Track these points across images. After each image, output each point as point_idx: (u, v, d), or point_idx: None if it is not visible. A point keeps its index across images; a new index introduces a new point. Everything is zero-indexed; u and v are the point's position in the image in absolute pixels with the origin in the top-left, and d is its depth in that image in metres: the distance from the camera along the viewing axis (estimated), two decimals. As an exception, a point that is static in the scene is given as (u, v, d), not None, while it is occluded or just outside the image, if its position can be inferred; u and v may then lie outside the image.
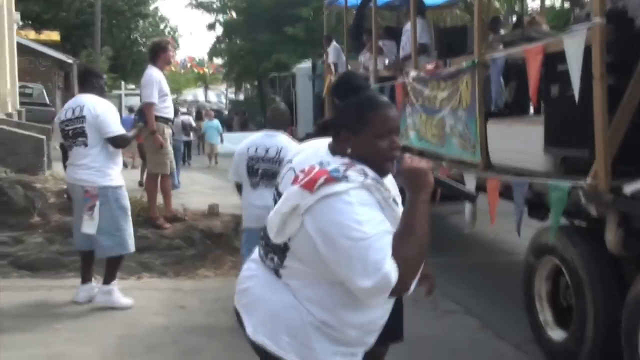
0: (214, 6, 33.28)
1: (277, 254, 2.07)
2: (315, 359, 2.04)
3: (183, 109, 28.41)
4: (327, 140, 2.16)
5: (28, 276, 5.86)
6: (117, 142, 5.17)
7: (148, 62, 7.04)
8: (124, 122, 5.77)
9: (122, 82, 32.04)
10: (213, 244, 6.51)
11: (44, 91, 22.67)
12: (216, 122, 18.76)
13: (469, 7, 20.55)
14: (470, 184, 5.40)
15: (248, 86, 43.50)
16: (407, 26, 7.83)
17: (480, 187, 5.33)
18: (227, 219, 6.83)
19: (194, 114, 23.91)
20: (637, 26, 4.05)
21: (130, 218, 5.30)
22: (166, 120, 6.88)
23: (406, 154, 2.05)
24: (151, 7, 38.75)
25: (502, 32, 8.70)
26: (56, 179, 7.30)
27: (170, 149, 6.97)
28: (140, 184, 10.36)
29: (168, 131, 6.94)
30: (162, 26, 41.11)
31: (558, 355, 4.34)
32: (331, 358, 2.06)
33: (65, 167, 5.60)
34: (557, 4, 19.21)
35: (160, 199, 7.00)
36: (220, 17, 34.03)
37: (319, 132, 2.75)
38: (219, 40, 35.25)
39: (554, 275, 4.50)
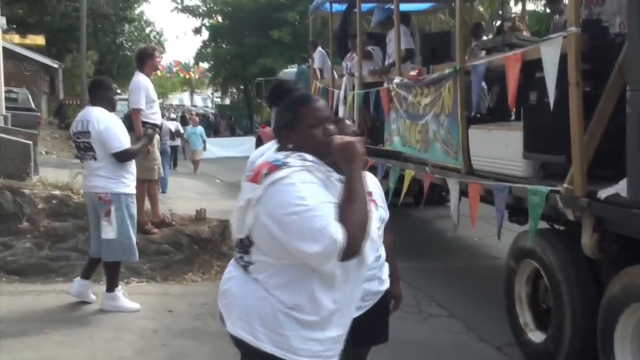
0: (200, 10, 33.26)
1: (245, 251, 2.24)
2: (289, 346, 2.17)
3: (173, 115, 28.49)
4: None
5: (17, 281, 5.92)
6: (121, 157, 5.23)
7: (135, 68, 7.10)
8: None
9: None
10: (200, 249, 6.58)
11: (29, 96, 22.55)
12: (200, 129, 18.67)
13: (454, 12, 20.79)
14: (453, 189, 5.52)
15: (234, 90, 43.51)
16: (391, 34, 7.95)
17: (463, 192, 5.47)
18: (214, 224, 6.89)
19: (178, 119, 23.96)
20: (612, 34, 4.19)
21: (136, 225, 5.44)
22: (154, 126, 6.94)
23: (336, 135, 2.23)
24: (136, 11, 38.65)
25: (485, 38, 8.84)
26: (44, 184, 7.32)
27: (157, 154, 7.03)
28: None
29: (156, 137, 7.00)
30: (147, 30, 40.98)
31: (537, 357, 4.45)
32: (305, 344, 2.18)
33: None
34: (540, 8, 19.40)
35: (147, 205, 7.05)
36: (207, 22, 34.02)
37: None
38: (205, 44, 35.26)
39: (534, 279, 4.63)
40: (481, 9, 20.59)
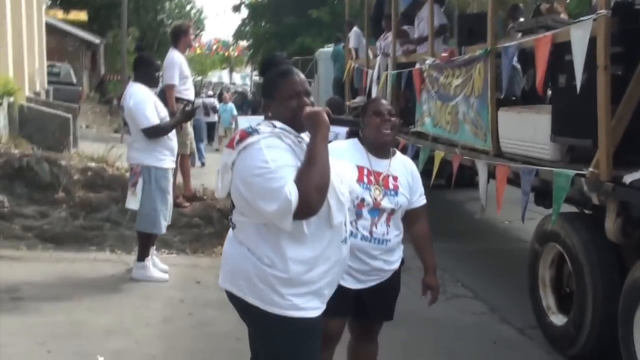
0: (240, -12, 33.34)
1: (231, 212, 2.43)
2: (270, 299, 2.35)
3: (210, 92, 28.68)
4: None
5: (52, 249, 6.11)
6: (148, 133, 5.31)
7: (166, 45, 7.22)
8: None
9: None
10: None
11: (71, 71, 22.99)
12: (230, 106, 18.74)
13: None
14: (481, 171, 5.51)
15: (273, 69, 43.45)
16: (422, 13, 7.91)
17: (492, 174, 5.45)
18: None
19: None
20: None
21: (168, 201, 5.50)
22: (187, 102, 7.06)
23: (307, 107, 2.38)
24: (177, -12, 38.90)
25: (522, 19, 8.71)
26: (81, 156, 7.52)
27: (190, 129, 7.16)
28: None
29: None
30: (188, 7, 41.21)
31: (558, 340, 4.47)
32: (284, 298, 2.33)
33: None
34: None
35: (180, 179, 7.19)
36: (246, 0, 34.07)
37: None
38: (244, 22, 35.30)
39: (558, 262, 4.62)
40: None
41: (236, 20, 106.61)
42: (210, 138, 18.04)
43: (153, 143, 5.35)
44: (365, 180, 3.03)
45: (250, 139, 2.30)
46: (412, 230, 3.26)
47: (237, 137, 2.34)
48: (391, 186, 3.08)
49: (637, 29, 4.00)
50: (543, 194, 4.94)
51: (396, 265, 3.20)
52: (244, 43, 41.13)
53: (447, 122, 6.28)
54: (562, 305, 4.55)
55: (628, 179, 3.64)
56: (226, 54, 53.36)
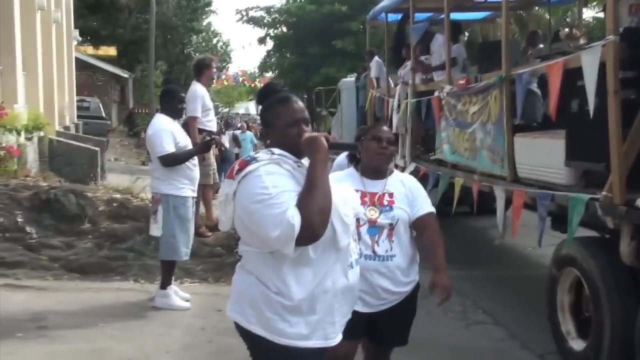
0: (265, 21, 33.79)
1: (237, 244, 2.44)
2: (277, 329, 2.32)
3: (239, 124, 29.08)
4: None
5: (78, 279, 6.23)
6: (164, 161, 5.44)
7: (193, 78, 7.40)
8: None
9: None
10: (252, 253, 6.77)
11: (101, 105, 23.52)
12: (249, 134, 18.73)
13: (520, 19, 20.49)
14: (499, 197, 5.53)
15: (298, 99, 43.83)
16: (432, 46, 8.00)
17: (510, 200, 5.47)
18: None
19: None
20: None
21: (190, 228, 5.59)
22: (209, 133, 7.20)
23: (306, 132, 2.40)
24: (204, 23, 39.64)
25: (541, 45, 8.76)
26: (107, 188, 7.70)
27: (212, 160, 7.30)
28: None
29: (224, 138, 7.27)
30: (214, 41, 41.97)
31: (578, 365, 4.43)
32: (292, 327, 2.32)
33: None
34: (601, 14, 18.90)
35: (203, 209, 7.31)
36: (271, 32, 34.54)
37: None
38: (269, 54, 35.78)
39: (576, 287, 4.60)
40: (547, 17, 20.24)
41: (262, 52, 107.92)
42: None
43: (171, 172, 5.45)
44: (360, 202, 3.08)
45: (249, 167, 2.31)
46: (423, 238, 3.27)
47: (237, 167, 2.36)
48: (386, 202, 3.14)
49: (647, 54, 4.04)
50: (560, 219, 4.94)
51: (408, 288, 3.22)
52: (269, 74, 41.67)
53: (465, 148, 6.32)
54: (581, 330, 4.53)
55: (641, 202, 3.64)
56: (252, 85, 54.05)
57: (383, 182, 3.18)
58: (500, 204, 5.54)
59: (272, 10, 33.52)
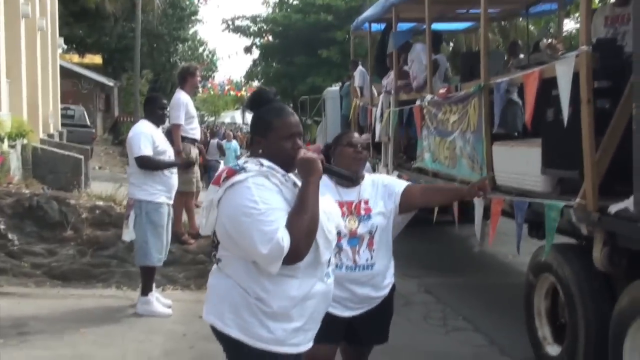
0: (251, 30, 33.88)
1: (215, 249, 2.44)
2: (254, 332, 2.35)
3: (223, 131, 28.97)
4: None
5: (60, 285, 6.24)
6: (139, 162, 5.51)
7: (177, 86, 7.45)
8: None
9: (161, 104, 32.72)
10: (234, 260, 6.80)
11: (85, 113, 23.42)
12: (234, 144, 18.51)
13: (503, 29, 20.70)
14: (478, 205, 5.61)
15: (284, 108, 43.85)
16: (411, 55, 8.09)
17: (488, 208, 5.55)
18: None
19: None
20: (627, 53, 4.26)
21: (163, 234, 5.59)
22: (192, 141, 7.26)
23: (301, 150, 2.42)
24: (190, 32, 39.65)
25: (522, 56, 8.89)
26: (90, 195, 7.71)
27: (196, 168, 7.33)
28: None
29: (194, 151, 7.31)
30: (200, 49, 41.94)
31: (554, 370, 4.50)
32: (270, 332, 2.35)
33: None
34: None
35: (185, 216, 7.34)
36: (257, 41, 34.62)
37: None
38: (255, 63, 35.85)
39: (552, 293, 4.68)
40: (531, 28, 20.47)
41: (248, 61, 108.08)
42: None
43: (146, 177, 5.50)
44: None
45: (237, 177, 2.31)
46: (419, 199, 3.32)
47: (224, 175, 2.35)
48: (363, 212, 3.18)
49: (620, 64, 4.14)
50: (537, 226, 5.03)
51: (386, 292, 3.28)
52: (255, 83, 41.72)
53: (445, 157, 6.41)
54: (557, 335, 4.59)
55: (613, 209, 3.72)
56: (238, 94, 54.11)
57: (358, 189, 3.23)
58: (478, 212, 5.61)
59: (258, 19, 33.64)
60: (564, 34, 16.14)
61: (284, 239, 2.20)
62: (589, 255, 4.02)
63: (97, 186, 10.65)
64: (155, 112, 5.74)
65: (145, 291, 5.56)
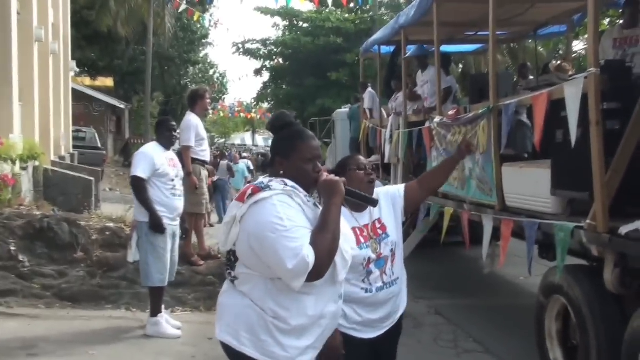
0: (261, 53, 34.17)
1: (231, 267, 2.45)
2: (269, 351, 2.37)
3: (245, 154, 29.10)
4: None
5: (70, 307, 6.24)
6: (132, 182, 5.63)
7: (187, 109, 7.51)
8: None
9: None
10: (244, 282, 6.79)
11: (96, 135, 23.61)
12: (241, 166, 18.46)
13: (512, 51, 20.75)
14: (487, 226, 5.59)
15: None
16: (425, 76, 8.11)
17: (497, 229, 5.53)
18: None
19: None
20: (636, 75, 4.26)
21: (163, 255, 5.58)
22: (202, 163, 7.29)
23: (323, 172, 2.49)
24: (201, 54, 40.02)
25: (531, 77, 8.91)
26: (100, 217, 7.74)
27: (205, 189, 7.35)
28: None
29: (204, 173, 7.34)
30: (211, 72, 42.28)
31: (566, 393, 4.45)
32: (285, 350, 2.37)
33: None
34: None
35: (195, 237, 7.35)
36: (267, 63, 34.89)
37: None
38: (265, 85, 36.11)
39: (563, 315, 4.64)
40: (541, 49, 20.53)
41: (258, 83, 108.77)
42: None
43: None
44: (362, 239, 3.12)
45: (262, 194, 2.36)
46: (421, 191, 3.38)
47: (249, 192, 2.39)
48: (380, 231, 3.18)
49: (629, 85, 4.14)
50: (547, 247, 5.00)
51: (405, 304, 3.30)
52: (265, 105, 41.94)
53: (454, 178, 6.39)
54: (569, 357, 4.55)
55: (624, 230, 3.70)
56: (248, 116, 54.36)
57: (368, 210, 3.23)
58: (487, 233, 5.59)
59: (268, 42, 33.91)
60: (573, 55, 16.20)
61: (310, 256, 2.24)
62: (600, 277, 4.00)
63: (107, 207, 10.72)
64: (164, 134, 5.79)
65: (154, 312, 5.57)
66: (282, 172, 2.49)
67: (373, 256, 3.11)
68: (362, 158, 3.34)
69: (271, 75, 35.22)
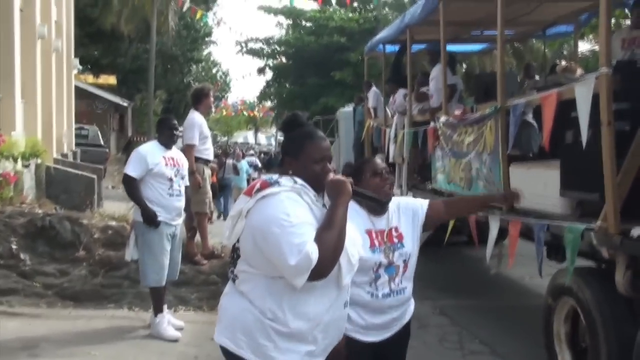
0: (264, 51, 34.09)
1: (234, 264, 2.42)
2: (268, 355, 2.32)
3: (250, 152, 29.03)
4: None
5: (71, 306, 6.19)
6: (123, 179, 5.61)
7: (190, 107, 7.45)
8: None
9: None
10: (247, 281, 6.74)
11: (99, 133, 23.54)
12: (244, 164, 18.24)
13: (517, 51, 20.68)
14: (493, 227, 5.52)
15: (297, 129, 43.99)
16: (434, 74, 8.05)
17: (506, 230, 5.46)
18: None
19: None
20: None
21: (160, 255, 5.50)
22: (206, 162, 7.23)
23: (331, 173, 2.46)
24: (204, 53, 39.95)
25: (537, 77, 8.85)
26: (102, 215, 7.68)
27: (208, 188, 7.29)
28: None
29: (207, 172, 7.28)
30: (214, 70, 42.22)
31: (575, 396, 4.39)
32: (284, 354, 2.32)
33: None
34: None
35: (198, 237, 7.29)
36: (270, 62, 34.81)
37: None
38: (268, 84, 36.02)
39: (573, 317, 4.58)
40: (546, 50, 20.44)
41: (261, 81, 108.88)
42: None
43: (144, 198, 5.49)
44: (376, 243, 3.07)
45: (271, 189, 2.34)
46: (445, 213, 3.36)
47: (258, 186, 2.37)
48: (395, 240, 3.12)
49: (638, 86, 4.07)
50: (555, 248, 4.94)
51: (412, 312, 3.26)
52: (268, 104, 41.88)
53: (460, 178, 6.34)
54: (578, 361, 4.50)
55: (636, 232, 3.65)
56: (251, 114, 54.33)
57: (386, 216, 3.17)
58: (492, 234, 5.52)
59: (271, 41, 33.84)
60: (579, 56, 16.14)
61: (313, 253, 2.20)
62: (610, 279, 3.95)
63: (109, 206, 10.66)
64: (164, 133, 5.74)
65: (156, 312, 5.51)
66: (290, 172, 2.46)
67: (384, 261, 3.06)
68: (378, 162, 3.26)
69: (274, 74, 35.13)
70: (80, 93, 24.50)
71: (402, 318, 3.18)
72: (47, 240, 6.74)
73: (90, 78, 32.20)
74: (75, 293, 6.31)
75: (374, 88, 11.54)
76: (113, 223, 7.15)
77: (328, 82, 29.11)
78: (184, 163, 5.87)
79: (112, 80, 32.90)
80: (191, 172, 6.84)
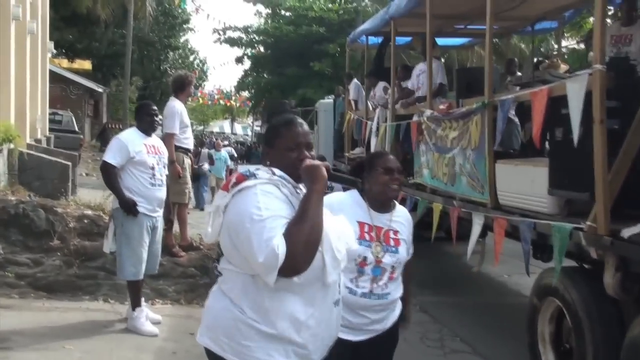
0: (242, 40, 33.80)
1: (217, 261, 2.33)
2: (252, 357, 2.20)
3: (226, 142, 28.79)
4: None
5: (45, 297, 5.99)
6: (101, 166, 5.44)
7: (169, 94, 7.27)
8: None
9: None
10: (226, 274, 6.62)
11: (73, 118, 23.14)
12: (224, 155, 17.92)
13: (496, 47, 20.72)
14: (477, 224, 5.47)
15: (274, 119, 43.86)
16: (420, 67, 7.97)
17: (489, 227, 5.41)
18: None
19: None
20: (638, 73, 4.15)
21: (138, 247, 5.35)
22: (186, 151, 7.05)
23: (307, 159, 2.31)
24: (181, 40, 39.51)
25: (519, 73, 8.82)
26: (77, 204, 7.47)
27: (188, 178, 7.13)
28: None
29: (187, 161, 7.11)
30: (191, 58, 41.79)
31: (558, 397, 4.36)
32: (268, 355, 2.19)
33: None
34: (581, 45, 19.27)
35: (177, 227, 7.14)
36: (249, 51, 34.55)
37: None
38: (246, 73, 35.77)
39: (557, 317, 4.54)
40: (522, 46, 20.52)
41: (239, 71, 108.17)
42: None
43: (124, 188, 5.32)
44: (367, 237, 2.98)
45: (246, 183, 2.22)
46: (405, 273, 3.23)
47: (234, 180, 2.26)
48: (392, 242, 3.03)
49: (633, 83, 4.03)
50: (541, 248, 4.90)
51: (396, 318, 3.15)
52: (245, 94, 41.60)
53: (444, 173, 6.28)
54: (561, 361, 4.46)
55: (626, 233, 3.60)
56: (228, 104, 53.97)
57: (389, 215, 3.07)
58: (475, 231, 5.47)
59: (249, 30, 33.57)
60: (556, 52, 16.20)
61: (279, 247, 2.06)
62: (597, 280, 3.91)
63: (85, 193, 10.43)
64: (144, 119, 5.57)
65: (133, 305, 5.36)
66: (268, 162, 2.36)
67: (371, 258, 2.97)
68: (392, 159, 3.14)
69: (252, 64, 34.90)
70: (54, 77, 24.03)
71: (382, 322, 3.07)
72: (20, 228, 6.52)
73: (64, 62, 31.62)
74: (49, 284, 6.12)
75: (355, 80, 11.45)
76: (89, 212, 6.94)
77: (306, 73, 29.00)
78: (164, 151, 5.72)
79: (87, 65, 32.36)
80: (171, 162, 6.67)
